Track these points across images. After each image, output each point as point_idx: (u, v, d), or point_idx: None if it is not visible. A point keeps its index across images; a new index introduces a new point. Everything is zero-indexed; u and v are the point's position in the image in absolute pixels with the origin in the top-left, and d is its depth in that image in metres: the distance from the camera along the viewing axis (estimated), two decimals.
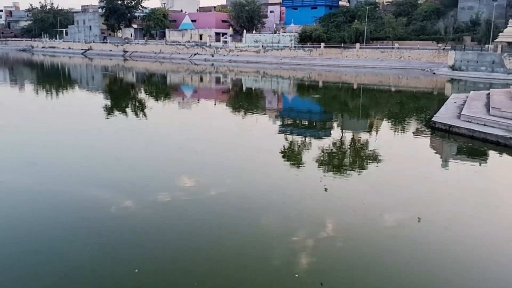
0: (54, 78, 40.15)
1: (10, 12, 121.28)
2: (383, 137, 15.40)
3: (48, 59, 68.90)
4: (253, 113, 20.57)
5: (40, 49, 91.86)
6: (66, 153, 11.92)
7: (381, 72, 46.84)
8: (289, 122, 18.90)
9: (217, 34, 73.49)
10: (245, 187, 9.45)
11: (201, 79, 40.42)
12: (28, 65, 57.75)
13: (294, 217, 7.88)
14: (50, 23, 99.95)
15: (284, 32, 64.57)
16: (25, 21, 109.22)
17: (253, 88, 34.15)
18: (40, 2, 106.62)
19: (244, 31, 68.17)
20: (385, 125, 18.44)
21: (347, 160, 12.38)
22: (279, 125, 17.72)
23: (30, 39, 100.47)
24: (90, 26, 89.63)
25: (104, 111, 20.71)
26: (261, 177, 10.21)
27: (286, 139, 14.66)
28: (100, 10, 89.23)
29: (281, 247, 6.67)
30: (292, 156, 12.53)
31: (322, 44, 57.67)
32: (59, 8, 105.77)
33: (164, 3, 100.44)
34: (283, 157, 12.24)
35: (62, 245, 6.57)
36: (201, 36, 73.80)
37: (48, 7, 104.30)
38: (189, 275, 5.83)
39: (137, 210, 8.00)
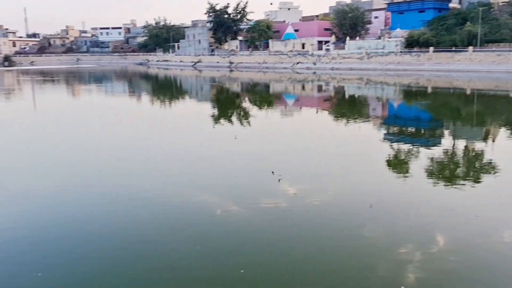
0: (167, 89, 43.05)
1: (129, 29, 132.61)
2: (501, 147, 14.22)
3: (162, 72, 73.99)
4: (356, 121, 20.20)
5: (154, 63, 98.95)
6: (175, 157, 12.71)
7: (498, 76, 43.28)
8: (394, 130, 18.25)
9: (319, 42, 73.40)
10: (349, 196, 9.31)
11: (303, 87, 40.62)
12: (144, 78, 62.52)
13: (400, 229, 7.59)
14: (164, 38, 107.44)
15: (389, 38, 62.56)
16: (142, 37, 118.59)
17: (356, 95, 33.54)
18: (154, 19, 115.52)
19: (347, 38, 67.27)
20: (503, 133, 17.01)
21: (459, 170, 11.62)
22: (384, 133, 17.19)
23: (146, 54, 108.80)
24: (200, 40, 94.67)
25: (211, 119, 21.71)
26: (365, 186, 9.98)
27: (392, 147, 14.17)
28: (208, 24, 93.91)
29: (387, 258, 6.47)
30: (398, 165, 12.09)
31: (431, 49, 54.90)
32: (172, 24, 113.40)
33: (268, 15, 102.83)
34: (388, 165, 11.85)
35: (169, 248, 6.95)
36: (303, 45, 74.25)
37: (162, 23, 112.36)
38: (293, 279, 5.90)
39: (241, 214, 8.27)
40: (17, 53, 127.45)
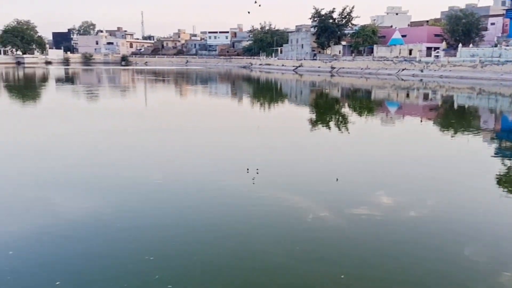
0: (267, 92, 43.86)
1: (235, 33, 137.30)
2: None
3: (264, 75, 75.52)
4: (464, 133, 18.90)
5: (257, 66, 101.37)
6: (272, 158, 12.86)
7: None
8: (507, 145, 16.78)
9: (428, 48, 69.91)
10: (448, 212, 8.72)
11: (408, 95, 38.93)
12: (246, 80, 64.26)
13: (506, 251, 6.96)
14: (268, 43, 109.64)
15: (507, 46, 57.69)
16: (247, 41, 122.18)
17: (466, 106, 31.39)
18: (260, 24, 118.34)
19: (460, 45, 63.26)
20: None
21: None
22: (495, 148, 15.88)
23: (249, 57, 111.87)
24: (302, 45, 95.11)
25: (309, 123, 21.66)
26: (468, 203, 9.30)
27: (503, 163, 13.04)
28: (312, 29, 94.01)
29: (488, 281, 5.96)
30: (509, 182, 11.08)
31: None
32: (276, 28, 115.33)
33: (374, 20, 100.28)
34: (498, 183, 10.91)
35: (262, 251, 7.02)
36: (410, 51, 71.25)
37: (267, 28, 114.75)
38: None
39: (333, 221, 8.12)
40: (133, 53, 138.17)
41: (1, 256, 6.39)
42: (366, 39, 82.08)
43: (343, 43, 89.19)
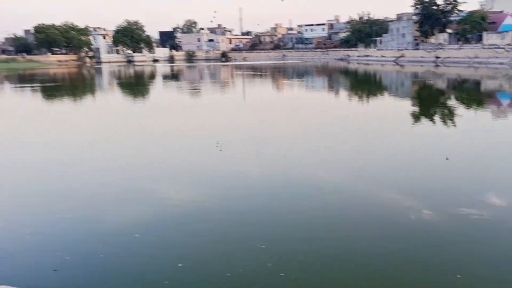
0: (365, 84, 42.83)
1: (331, 25, 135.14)
2: None
3: (362, 67, 73.71)
4: None
5: (355, 58, 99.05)
6: (375, 154, 12.69)
7: None
8: None
9: None
10: None
11: None
12: (344, 73, 63.23)
13: None
14: (366, 33, 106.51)
15: None
16: (344, 32, 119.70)
17: None
18: (358, 14, 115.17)
19: None
20: None
21: None
22: None
23: (347, 49, 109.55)
24: (404, 34, 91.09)
25: (411, 117, 20.87)
26: None
27: None
28: (414, 17, 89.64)
29: None
30: None
31: None
32: (375, 18, 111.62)
33: (483, 5, 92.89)
34: None
35: (363, 245, 7.07)
36: None
37: (365, 18, 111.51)
38: None
39: (436, 220, 7.88)
40: (232, 49, 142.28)
41: (129, 239, 7.13)
42: (474, 26, 76.36)
43: (449, 31, 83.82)
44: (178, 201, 8.94)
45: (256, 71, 66.87)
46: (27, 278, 5.95)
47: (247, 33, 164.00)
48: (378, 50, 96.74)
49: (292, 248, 6.73)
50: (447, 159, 11.51)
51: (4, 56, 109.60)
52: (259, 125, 18.21)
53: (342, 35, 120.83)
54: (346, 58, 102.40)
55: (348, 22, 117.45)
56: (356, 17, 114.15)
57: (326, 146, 13.87)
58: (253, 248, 6.70)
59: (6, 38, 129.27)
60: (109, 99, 33.91)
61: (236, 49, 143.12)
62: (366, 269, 6.14)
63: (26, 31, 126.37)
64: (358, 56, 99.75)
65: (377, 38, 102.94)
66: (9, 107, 28.42)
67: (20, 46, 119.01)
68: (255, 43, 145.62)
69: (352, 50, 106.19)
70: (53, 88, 42.36)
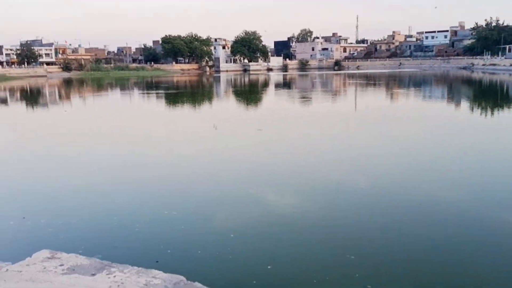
0: (490, 96, 39.68)
1: (455, 31, 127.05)
2: None
3: (487, 77, 68.32)
4: None
5: (479, 67, 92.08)
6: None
7: None
8: None
9: None
10: None
11: None
12: (466, 83, 59.18)
13: None
14: (493, 40, 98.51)
15: None
16: (469, 39, 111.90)
17: None
18: (485, 20, 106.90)
19: None
20: None
21: None
22: None
23: (471, 57, 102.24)
24: None
25: None
26: None
27: None
28: None
29: None
30: None
31: None
32: (505, 24, 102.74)
33: None
34: None
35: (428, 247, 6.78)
36: None
37: (494, 24, 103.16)
38: None
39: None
40: (346, 58, 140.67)
41: (225, 238, 7.64)
42: None
43: None
44: (278, 207, 9.31)
45: (370, 80, 65.43)
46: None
47: (363, 41, 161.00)
48: (506, 58, 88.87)
49: (379, 260, 6.70)
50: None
51: (134, 65, 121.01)
52: (369, 137, 17.97)
53: (466, 42, 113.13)
54: (469, 67, 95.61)
55: (473, 29, 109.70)
56: (483, 23, 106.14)
57: (439, 161, 13.30)
58: (342, 258, 6.80)
59: (137, 48, 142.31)
60: (224, 106, 35.75)
61: (350, 58, 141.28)
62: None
63: (155, 42, 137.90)
64: (483, 64, 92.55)
65: (506, 46, 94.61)
66: (136, 110, 31.37)
67: (149, 55, 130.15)
68: (370, 51, 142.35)
69: (476, 59, 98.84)
70: (175, 94, 45.81)
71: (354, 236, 7.71)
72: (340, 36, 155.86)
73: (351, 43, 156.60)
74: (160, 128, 21.86)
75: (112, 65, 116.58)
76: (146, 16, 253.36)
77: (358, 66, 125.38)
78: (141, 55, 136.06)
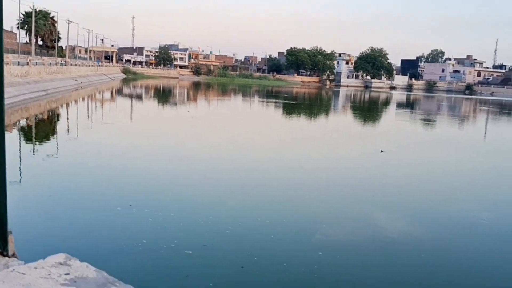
0: None
1: None
2: None
3: None
4: None
5: None
6: None
7: None
8: None
9: None
10: None
11: None
12: None
13: None
14: None
15: None
16: None
17: None
18: None
19: None
20: None
21: None
22: None
23: None
24: None
25: None
26: None
27: None
28: None
29: None
30: None
31: None
32: None
33: None
34: None
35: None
36: None
37: None
38: None
39: None
40: (479, 82, 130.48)
41: (313, 256, 7.38)
42: None
43: None
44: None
45: (504, 108, 59.78)
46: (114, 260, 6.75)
47: (501, 67, 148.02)
48: None
49: None
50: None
51: (258, 74, 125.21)
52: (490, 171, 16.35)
53: None
54: None
55: None
56: None
57: None
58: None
59: (262, 58, 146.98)
60: (338, 121, 35.23)
61: (484, 83, 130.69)
62: None
63: (280, 53, 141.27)
64: None
65: None
66: (251, 118, 32.28)
67: (273, 66, 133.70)
68: (508, 78, 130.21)
69: None
70: (291, 105, 46.35)
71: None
72: (475, 59, 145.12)
73: (487, 68, 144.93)
74: (272, 136, 22.18)
75: (238, 72, 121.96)
76: (273, 28, 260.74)
77: (493, 92, 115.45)
78: (265, 65, 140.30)
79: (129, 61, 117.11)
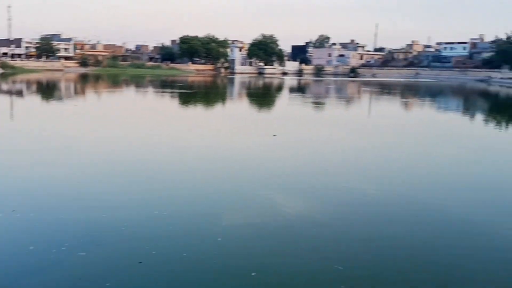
0: (506, 110, 39.09)
1: (474, 43, 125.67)
2: None
3: (505, 91, 67.38)
4: None
5: (497, 80, 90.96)
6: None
7: None
8: None
9: None
10: None
11: None
12: (482, 95, 58.43)
13: None
14: None
15: None
16: (488, 52, 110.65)
17: None
18: (506, 34, 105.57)
19: None
20: None
21: None
22: None
23: (489, 70, 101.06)
24: None
25: None
26: None
27: None
28: None
29: None
30: None
31: None
32: None
33: None
34: None
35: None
36: None
37: None
38: None
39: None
40: (362, 65, 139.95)
41: (211, 242, 7.47)
42: None
43: None
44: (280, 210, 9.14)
45: (384, 88, 64.89)
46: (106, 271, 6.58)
47: (380, 49, 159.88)
48: None
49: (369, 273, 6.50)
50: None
51: (151, 63, 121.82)
52: (370, 144, 17.73)
53: (485, 55, 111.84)
54: (487, 80, 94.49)
55: (493, 42, 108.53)
56: (503, 37, 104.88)
57: (431, 168, 13.03)
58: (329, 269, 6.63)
59: (155, 47, 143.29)
60: (237, 107, 35.68)
61: (366, 65, 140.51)
62: None
63: (173, 41, 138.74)
64: (501, 78, 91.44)
65: None
66: (148, 108, 31.46)
67: (166, 54, 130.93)
68: (387, 60, 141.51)
69: (494, 72, 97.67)
70: (187, 94, 45.91)
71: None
72: (357, 44, 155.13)
73: (369, 51, 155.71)
74: (162, 128, 21.82)
75: (129, 62, 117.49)
76: (165, 16, 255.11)
77: (374, 74, 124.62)
78: (158, 54, 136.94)
79: (5, 54, 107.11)
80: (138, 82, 69.59)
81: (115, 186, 10.69)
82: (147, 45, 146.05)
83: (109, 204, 9.10)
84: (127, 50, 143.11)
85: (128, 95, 47.02)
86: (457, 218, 9.02)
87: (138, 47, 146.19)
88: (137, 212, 8.71)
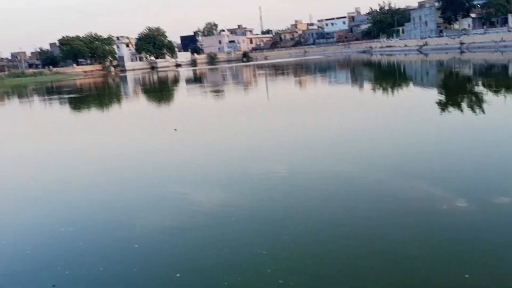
0: (389, 76, 42.11)
1: (352, 17, 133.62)
2: None
3: (385, 58, 72.53)
4: None
5: (378, 49, 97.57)
6: (402, 146, 12.39)
7: None
8: None
9: None
10: None
11: None
12: (367, 65, 62.37)
13: None
14: (388, 23, 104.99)
15: None
16: (365, 24, 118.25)
17: None
18: (379, 4, 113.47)
19: None
20: None
21: None
22: None
23: (369, 41, 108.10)
24: (426, 22, 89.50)
25: (438, 107, 20.34)
26: None
27: None
28: (436, 3, 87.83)
29: None
30: None
31: None
32: (397, 7, 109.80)
33: None
34: None
35: (395, 244, 6.86)
36: None
37: (386, 8, 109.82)
38: None
39: (469, 210, 7.61)
40: (253, 49, 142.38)
41: (128, 250, 7.11)
42: (499, 9, 74.30)
43: (473, 15, 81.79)
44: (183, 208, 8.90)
45: (278, 69, 66.58)
46: None
47: (268, 32, 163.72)
48: (400, 40, 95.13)
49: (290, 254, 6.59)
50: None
51: (31, 70, 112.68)
52: (287, 127, 18.08)
53: (364, 27, 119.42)
54: (368, 50, 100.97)
55: (369, 13, 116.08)
56: (377, 8, 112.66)
57: (347, 140, 13.62)
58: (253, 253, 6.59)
59: (33, 53, 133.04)
60: (134, 107, 34.35)
61: (257, 49, 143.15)
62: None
63: (52, 44, 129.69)
64: (381, 47, 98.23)
65: (399, 28, 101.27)
66: (34, 119, 29.11)
67: (47, 59, 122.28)
68: (276, 41, 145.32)
69: (374, 42, 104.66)
70: (78, 98, 43.24)
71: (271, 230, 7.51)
72: (245, 28, 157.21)
73: (257, 34, 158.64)
74: (61, 135, 20.36)
75: (6, 72, 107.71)
76: (41, 18, 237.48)
77: (266, 56, 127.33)
78: (37, 59, 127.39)
79: None
80: (21, 92, 64.08)
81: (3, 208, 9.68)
82: (24, 52, 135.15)
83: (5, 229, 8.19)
84: (1, 59, 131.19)
85: (12, 108, 43.12)
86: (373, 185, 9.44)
87: (14, 55, 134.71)
88: (41, 232, 7.93)
